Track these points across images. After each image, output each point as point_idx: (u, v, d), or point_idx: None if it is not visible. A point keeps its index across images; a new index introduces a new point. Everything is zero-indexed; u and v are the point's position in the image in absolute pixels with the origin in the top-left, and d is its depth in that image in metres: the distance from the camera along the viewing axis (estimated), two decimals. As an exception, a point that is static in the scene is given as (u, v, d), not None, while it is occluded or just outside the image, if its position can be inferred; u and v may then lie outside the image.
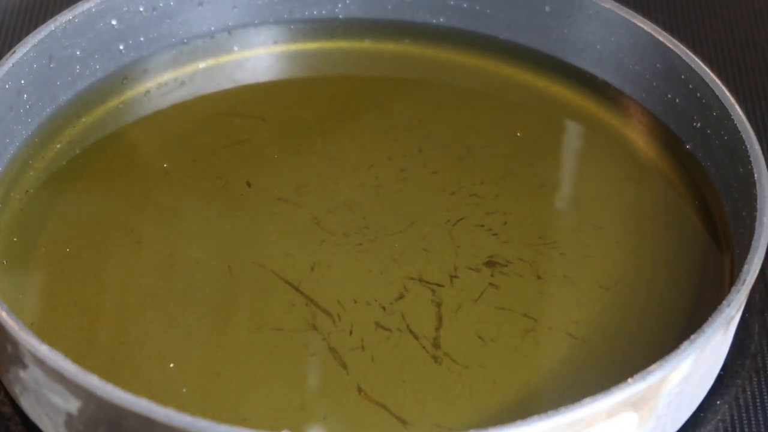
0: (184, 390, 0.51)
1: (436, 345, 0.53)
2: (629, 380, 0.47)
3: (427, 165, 0.61)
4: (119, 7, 0.63)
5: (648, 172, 0.61)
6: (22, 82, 0.59)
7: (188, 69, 0.65)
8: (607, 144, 0.62)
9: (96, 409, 0.47)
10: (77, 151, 0.61)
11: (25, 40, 0.59)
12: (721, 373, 0.54)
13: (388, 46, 0.67)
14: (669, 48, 0.61)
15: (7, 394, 0.52)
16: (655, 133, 0.62)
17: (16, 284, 0.55)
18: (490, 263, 0.56)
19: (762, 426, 0.53)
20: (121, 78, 0.64)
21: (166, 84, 0.64)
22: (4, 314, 0.48)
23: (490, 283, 0.55)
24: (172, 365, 0.52)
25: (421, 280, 0.55)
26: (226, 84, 0.65)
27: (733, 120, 0.57)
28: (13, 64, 0.58)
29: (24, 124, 0.60)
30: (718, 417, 0.53)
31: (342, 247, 0.57)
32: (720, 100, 0.58)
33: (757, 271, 0.51)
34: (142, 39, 0.64)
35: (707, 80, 0.59)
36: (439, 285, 0.55)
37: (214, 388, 0.51)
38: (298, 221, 0.58)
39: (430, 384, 0.52)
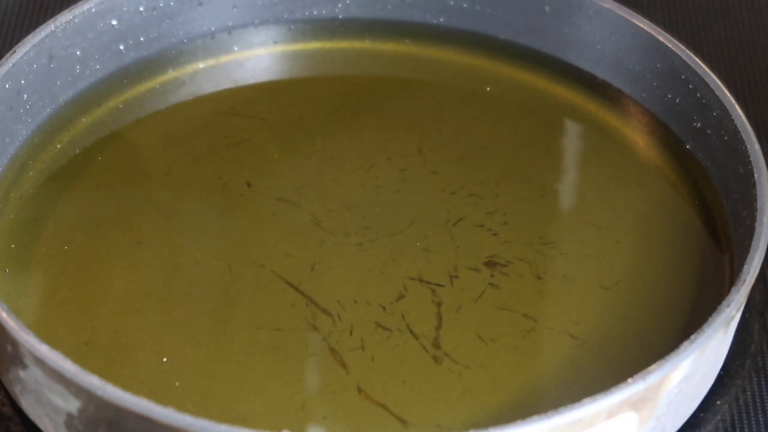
0: (183, 390, 0.51)
1: (436, 345, 0.53)
2: (629, 380, 0.47)
3: (427, 165, 0.61)
4: (119, 7, 0.63)
5: (648, 172, 0.61)
6: (22, 82, 0.59)
7: (188, 69, 0.65)
8: (607, 144, 0.62)
9: (96, 409, 0.47)
10: (77, 151, 0.61)
11: (25, 40, 0.59)
12: (721, 373, 0.54)
13: (388, 46, 0.67)
14: (669, 48, 0.61)
15: (7, 394, 0.52)
16: (655, 133, 0.62)
17: (17, 284, 0.55)
18: (490, 263, 0.56)
19: (762, 426, 0.53)
20: (121, 78, 0.64)
21: (166, 84, 0.64)
22: (4, 314, 0.48)
23: (490, 283, 0.55)
24: (171, 365, 0.52)
25: (421, 280, 0.55)
26: (226, 84, 0.65)
27: (733, 120, 0.57)
28: (13, 64, 0.58)
29: (24, 124, 0.60)
30: (718, 417, 0.53)
31: (342, 247, 0.57)
32: (720, 100, 0.58)
33: (757, 271, 0.51)
34: (142, 39, 0.64)
35: (707, 80, 0.59)
36: (439, 285, 0.55)
37: (214, 388, 0.51)
38: (298, 221, 0.58)
39: (430, 384, 0.52)
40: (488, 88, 0.65)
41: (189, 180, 0.60)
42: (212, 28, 0.66)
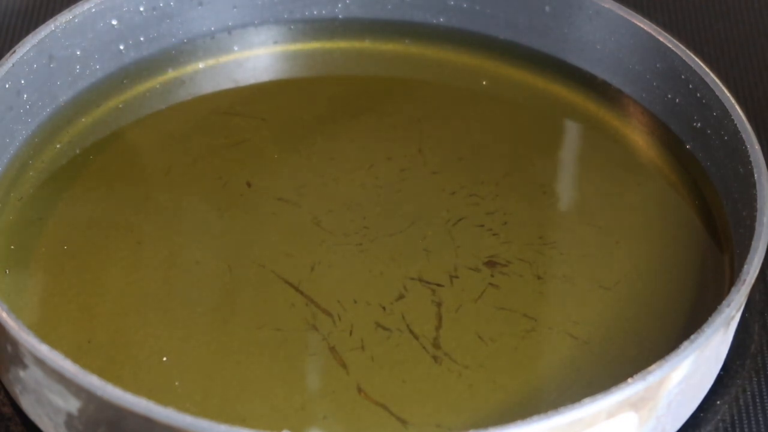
0: (183, 390, 0.51)
1: (436, 345, 0.53)
2: (629, 380, 0.47)
3: (427, 165, 0.61)
4: (119, 7, 0.63)
5: (648, 172, 0.61)
6: (22, 82, 0.59)
7: (188, 69, 0.65)
8: (607, 144, 0.62)
9: (96, 409, 0.47)
10: (77, 151, 0.61)
11: (25, 40, 0.59)
12: (721, 373, 0.54)
13: (388, 46, 0.67)
14: (669, 48, 0.61)
15: (7, 394, 0.52)
16: (655, 133, 0.62)
17: (17, 284, 0.55)
18: (490, 263, 0.56)
19: (762, 426, 0.53)
20: (121, 78, 0.64)
21: (166, 84, 0.64)
22: (4, 314, 0.48)
23: (490, 283, 0.55)
24: (171, 365, 0.52)
25: (421, 280, 0.55)
26: (226, 84, 0.65)
27: (733, 120, 0.57)
28: (13, 64, 0.58)
29: (24, 124, 0.60)
30: (718, 417, 0.53)
31: (342, 247, 0.57)
32: (720, 100, 0.58)
33: (757, 271, 0.51)
34: (142, 39, 0.64)
35: (707, 80, 0.59)
36: (439, 285, 0.55)
37: (214, 388, 0.51)
38: (298, 221, 0.58)
39: (430, 384, 0.52)
40: (485, 83, 0.65)
41: (189, 180, 0.60)
42: (212, 28, 0.66)
